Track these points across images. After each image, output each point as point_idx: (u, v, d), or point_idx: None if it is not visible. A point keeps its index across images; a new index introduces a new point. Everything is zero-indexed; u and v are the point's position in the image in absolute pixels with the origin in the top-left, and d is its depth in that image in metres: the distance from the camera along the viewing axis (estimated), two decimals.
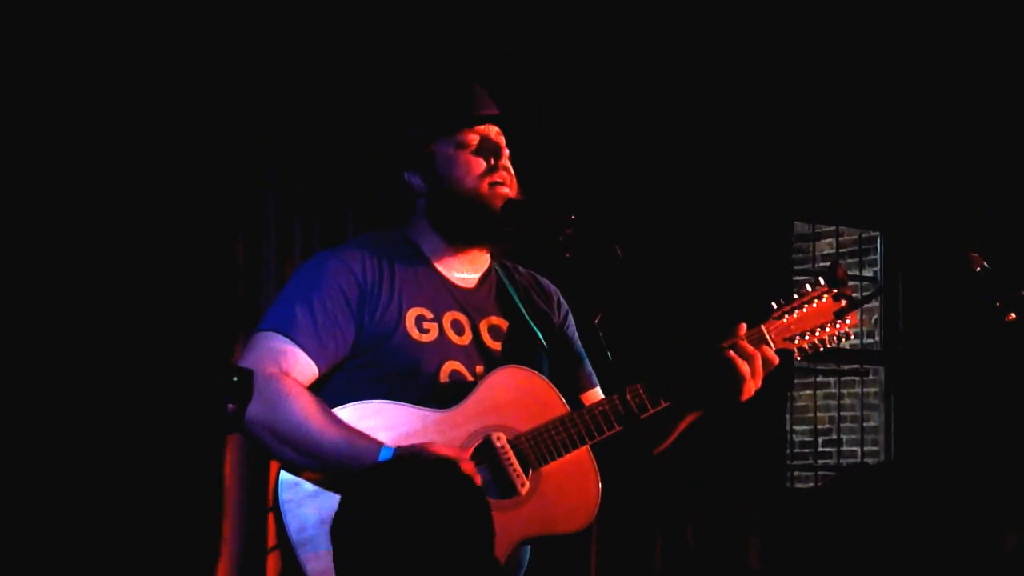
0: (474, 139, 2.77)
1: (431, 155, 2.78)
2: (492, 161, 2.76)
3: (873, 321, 6.56)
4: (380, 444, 2.55)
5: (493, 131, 2.81)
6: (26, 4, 3.86)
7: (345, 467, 2.54)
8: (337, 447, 2.55)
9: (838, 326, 2.87)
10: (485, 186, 2.75)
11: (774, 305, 2.85)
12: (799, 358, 2.85)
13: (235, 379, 2.00)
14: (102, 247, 3.95)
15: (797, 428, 7.14)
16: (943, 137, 5.90)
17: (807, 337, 2.85)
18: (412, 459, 2.44)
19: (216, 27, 4.20)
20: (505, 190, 2.76)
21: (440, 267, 2.81)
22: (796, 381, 7.05)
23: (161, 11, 4.07)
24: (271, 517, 2.60)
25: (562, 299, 2.97)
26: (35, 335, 3.77)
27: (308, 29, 4.40)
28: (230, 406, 2.15)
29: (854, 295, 2.89)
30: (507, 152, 2.80)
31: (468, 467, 2.52)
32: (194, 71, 4.16)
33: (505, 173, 2.77)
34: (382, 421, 2.61)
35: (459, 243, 2.82)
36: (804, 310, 2.85)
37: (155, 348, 3.94)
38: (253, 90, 4.31)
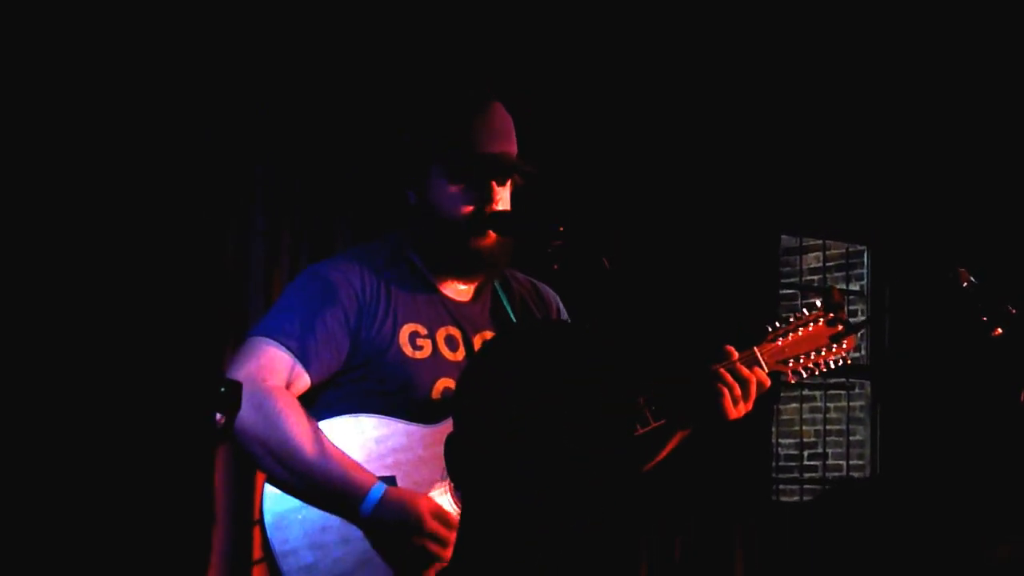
0: (469, 174, 2.72)
1: (426, 177, 2.74)
2: (481, 202, 2.71)
3: (860, 335, 6.56)
4: (373, 482, 2.55)
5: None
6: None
7: (333, 495, 2.54)
8: (330, 474, 2.54)
9: (834, 350, 2.87)
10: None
11: (768, 328, 2.84)
12: (793, 381, 2.85)
13: (223, 390, 1.98)
14: (84, 253, 3.92)
15: (783, 441, 7.13)
16: (931, 151, 5.91)
17: (801, 360, 2.84)
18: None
19: (212, 27, 4.18)
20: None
21: (435, 280, 2.80)
22: (782, 394, 7.06)
23: (157, 10, 4.06)
24: (257, 529, 2.60)
25: (561, 307, 2.95)
26: (17, 346, 3.75)
27: (309, 32, 4.39)
28: (219, 417, 2.15)
29: (851, 320, 2.88)
30: (502, 189, 2.74)
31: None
32: (188, 73, 4.14)
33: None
34: (370, 435, 2.60)
35: (437, 270, 2.80)
36: (799, 333, 2.84)
37: (140, 356, 3.92)
38: (244, 94, 4.29)
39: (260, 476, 2.62)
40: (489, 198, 2.70)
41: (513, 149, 2.76)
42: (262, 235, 4.38)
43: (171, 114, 4.10)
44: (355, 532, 2.56)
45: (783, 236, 6.19)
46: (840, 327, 2.86)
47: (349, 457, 2.57)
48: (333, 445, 2.57)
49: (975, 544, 5.61)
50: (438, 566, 2.55)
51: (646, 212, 5.24)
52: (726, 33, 5.27)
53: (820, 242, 6.74)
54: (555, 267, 2.66)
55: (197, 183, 4.18)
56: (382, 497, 2.53)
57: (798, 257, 6.99)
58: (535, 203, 2.83)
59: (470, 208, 2.70)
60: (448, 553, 2.52)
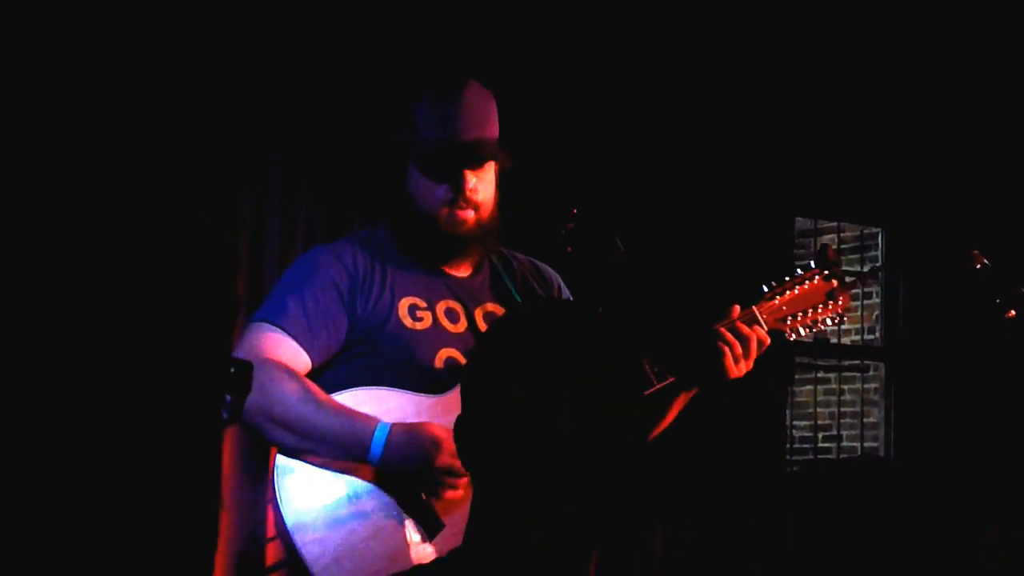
0: (439, 165, 2.71)
1: (405, 167, 2.76)
2: (454, 191, 2.71)
3: (874, 317, 6.55)
4: (376, 421, 2.56)
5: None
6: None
7: (341, 446, 2.55)
8: (333, 426, 2.56)
9: (830, 307, 2.88)
10: (444, 212, 2.72)
11: (765, 288, 2.86)
12: (792, 338, 2.86)
13: (233, 370, 2.00)
14: (102, 239, 3.95)
15: (797, 423, 7.13)
16: (946, 134, 5.90)
17: (799, 318, 2.86)
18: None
19: (221, 18, 4.19)
20: (468, 214, 2.73)
21: (430, 260, 2.81)
22: (796, 376, 7.06)
23: (172, 16, 4.08)
24: (270, 507, 2.61)
25: (563, 285, 2.96)
26: (30, 326, 3.77)
27: (316, 23, 4.40)
28: (228, 398, 2.16)
29: (845, 276, 2.90)
30: (478, 174, 2.71)
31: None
32: (200, 61, 4.16)
33: (464, 203, 2.71)
34: (377, 407, 2.62)
35: (427, 254, 2.80)
36: (795, 291, 2.86)
37: (153, 339, 3.94)
38: (258, 79, 4.30)
39: (272, 455, 2.64)
40: (461, 188, 2.70)
41: (488, 132, 2.74)
42: (278, 220, 4.39)
43: (184, 109, 4.13)
44: (367, 504, 2.58)
45: (798, 218, 6.19)
46: (835, 283, 2.88)
47: (348, 407, 2.58)
48: (330, 398, 2.59)
49: (979, 524, 5.61)
50: (452, 494, 2.57)
51: (661, 195, 5.24)
52: (742, 19, 5.26)
53: (835, 224, 6.73)
54: (568, 249, 2.67)
55: (205, 174, 4.20)
56: (388, 435, 2.55)
57: (813, 239, 6.97)
58: (549, 186, 2.83)
59: (444, 198, 2.71)
60: (460, 486, 2.56)
